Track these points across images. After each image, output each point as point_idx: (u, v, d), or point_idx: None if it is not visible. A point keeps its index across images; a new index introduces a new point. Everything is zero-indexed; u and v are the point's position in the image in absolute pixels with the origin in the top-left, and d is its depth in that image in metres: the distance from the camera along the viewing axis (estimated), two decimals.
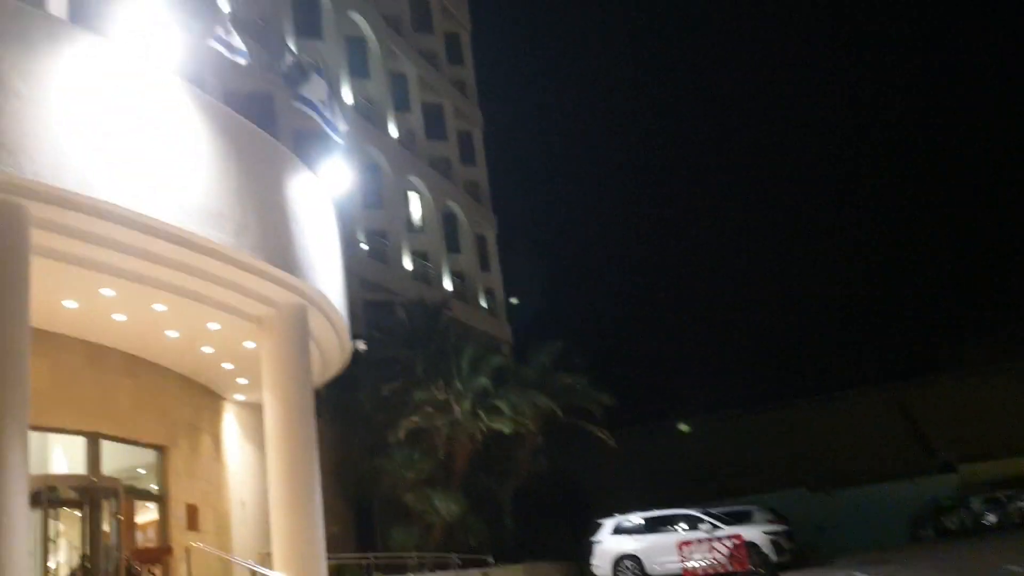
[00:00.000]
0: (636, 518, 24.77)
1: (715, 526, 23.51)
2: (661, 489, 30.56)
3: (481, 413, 23.90)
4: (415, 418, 23.63)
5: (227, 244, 13.83)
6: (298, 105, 16.45)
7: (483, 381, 24.05)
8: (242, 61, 15.26)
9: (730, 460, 36.86)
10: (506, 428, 24.04)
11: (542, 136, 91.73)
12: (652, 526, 24.36)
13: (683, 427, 24.75)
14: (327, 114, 16.42)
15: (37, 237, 11.55)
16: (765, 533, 23.52)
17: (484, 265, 42.47)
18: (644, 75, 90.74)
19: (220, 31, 14.91)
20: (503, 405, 24.08)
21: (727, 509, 25.90)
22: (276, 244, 15.30)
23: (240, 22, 24.44)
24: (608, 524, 24.84)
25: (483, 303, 41.19)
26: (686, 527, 23.85)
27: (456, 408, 23.67)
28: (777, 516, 26.89)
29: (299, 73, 16.22)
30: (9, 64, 11.13)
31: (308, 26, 30.46)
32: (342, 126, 17.14)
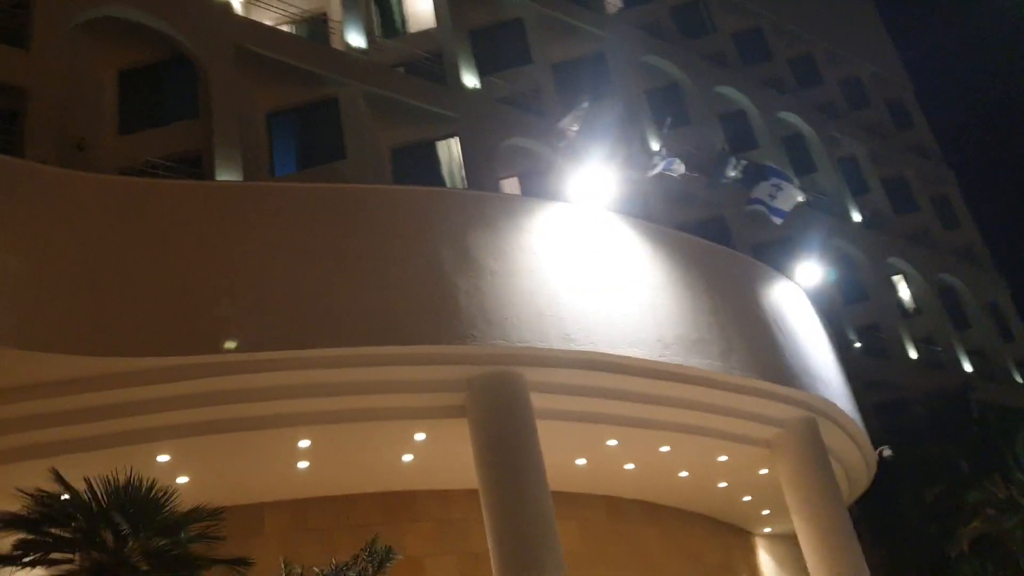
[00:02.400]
0: None
1: None
2: None
3: None
4: (975, 523, 20.13)
5: (715, 369, 13.19)
6: (752, 207, 15.69)
7: None
8: (681, 168, 15.03)
9: None
10: None
11: None
12: None
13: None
14: (782, 206, 15.37)
15: (538, 400, 11.90)
16: None
17: (1006, 335, 36.79)
18: None
19: (657, 158, 14.98)
20: None
21: None
22: (766, 359, 14.33)
23: (675, 154, 24.80)
24: None
25: (1017, 378, 35.42)
26: None
27: None
28: None
29: (749, 175, 15.57)
30: (479, 247, 11.96)
31: (742, 140, 30.10)
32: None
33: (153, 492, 7.41)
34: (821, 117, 35.07)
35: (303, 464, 12.42)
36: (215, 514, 7.50)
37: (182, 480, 11.69)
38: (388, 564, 7.97)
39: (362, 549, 8.06)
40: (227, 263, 10.76)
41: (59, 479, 7.34)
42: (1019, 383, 35.17)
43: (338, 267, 11.05)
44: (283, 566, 7.79)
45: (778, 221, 15.63)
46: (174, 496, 7.47)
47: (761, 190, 15.20)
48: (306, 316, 10.57)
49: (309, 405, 11.26)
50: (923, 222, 37.00)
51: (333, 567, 7.91)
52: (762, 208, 15.32)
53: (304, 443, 11.84)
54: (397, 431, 12.25)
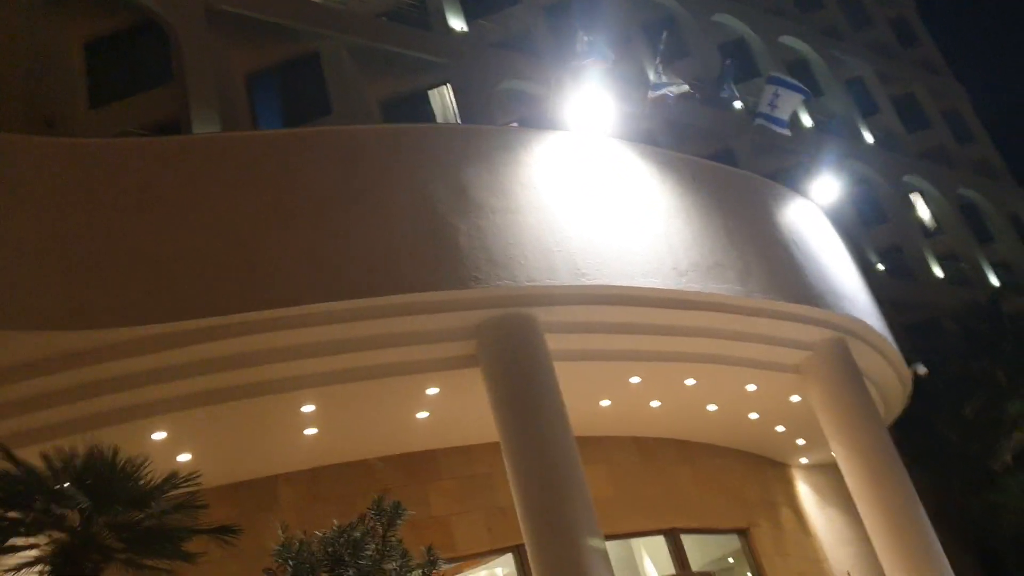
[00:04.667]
0: None
1: None
2: None
3: None
4: (1018, 434, 19.46)
5: (734, 293, 12.48)
6: (757, 122, 14.88)
7: None
8: (680, 89, 14.26)
9: None
10: None
11: None
12: None
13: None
14: (783, 114, 14.58)
15: (553, 342, 11.24)
16: None
17: None
18: None
19: (657, 79, 14.20)
20: None
21: None
22: (787, 280, 13.59)
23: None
24: None
25: None
26: None
27: None
28: None
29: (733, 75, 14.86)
30: (477, 184, 11.24)
31: (744, 68, 29.05)
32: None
33: (120, 462, 6.70)
34: (824, 39, 33.97)
35: (311, 431, 11.82)
36: (191, 479, 6.84)
37: (184, 458, 11.12)
38: (399, 521, 7.35)
39: (368, 507, 7.45)
40: (210, 222, 10.04)
41: (9, 456, 6.67)
42: None
43: (328, 217, 10.34)
44: (280, 532, 7.18)
45: (784, 131, 14.92)
46: (145, 464, 6.79)
47: (762, 101, 14.45)
48: (298, 271, 9.89)
49: (309, 366, 10.61)
50: (937, 138, 35.98)
51: (336, 529, 7.29)
52: (765, 123, 14.57)
53: (308, 407, 11.22)
54: (407, 387, 11.62)
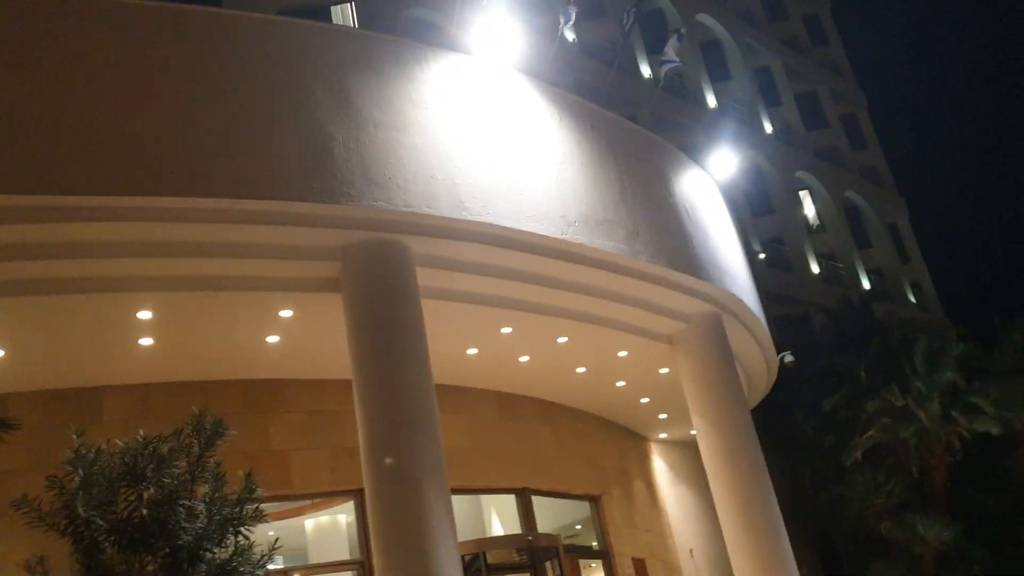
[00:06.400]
0: None
1: None
2: None
3: (955, 415, 19.46)
4: (871, 433, 19.89)
5: (619, 252, 11.95)
6: (664, 66, 14.70)
7: (950, 375, 19.67)
8: (565, 22, 13.87)
9: None
10: (992, 428, 19.32)
11: (936, 103, 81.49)
12: None
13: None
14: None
15: (424, 277, 10.44)
16: None
17: (903, 256, 37.15)
18: None
19: (566, 12, 13.57)
20: (981, 401, 19.46)
21: None
22: (674, 246, 13.18)
23: (586, 49, 23.35)
24: None
25: (911, 298, 35.86)
26: None
27: (920, 414, 19.53)
28: None
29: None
30: (361, 93, 10.27)
31: (659, 41, 28.71)
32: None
33: None
34: (739, 24, 34.02)
35: (147, 340, 10.70)
36: None
37: None
38: (219, 440, 6.49)
39: (186, 423, 6.57)
40: (47, 86, 8.72)
41: None
42: (913, 303, 35.60)
43: (186, 101, 9.17)
44: (74, 437, 6.23)
45: (674, 64, 14.98)
46: None
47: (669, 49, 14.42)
48: (142, 157, 8.70)
49: (151, 267, 9.48)
50: (832, 139, 36.76)
51: (141, 440, 6.39)
52: (670, 64, 14.55)
53: (144, 314, 10.11)
54: (259, 305, 10.62)
